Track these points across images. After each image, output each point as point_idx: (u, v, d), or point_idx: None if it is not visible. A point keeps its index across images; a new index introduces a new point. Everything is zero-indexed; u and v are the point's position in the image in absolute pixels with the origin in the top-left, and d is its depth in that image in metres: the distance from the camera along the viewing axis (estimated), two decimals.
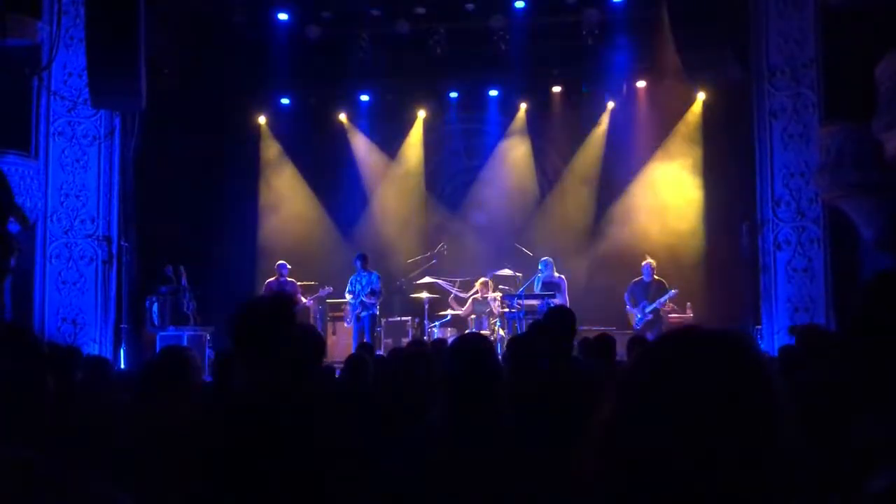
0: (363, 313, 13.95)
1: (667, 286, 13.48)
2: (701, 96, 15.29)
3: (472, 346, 3.36)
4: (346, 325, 14.51)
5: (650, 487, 1.18)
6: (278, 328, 2.92)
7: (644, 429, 1.20)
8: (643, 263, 13.70)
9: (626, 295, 13.68)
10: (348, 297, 14.11)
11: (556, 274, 14.06)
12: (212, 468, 2.65)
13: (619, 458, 1.21)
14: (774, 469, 1.17)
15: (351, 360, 6.42)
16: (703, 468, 1.16)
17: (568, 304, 12.52)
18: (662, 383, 1.23)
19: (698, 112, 15.55)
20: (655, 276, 13.58)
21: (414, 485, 3.00)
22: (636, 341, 7.90)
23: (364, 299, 13.91)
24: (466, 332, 12.41)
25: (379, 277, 14.08)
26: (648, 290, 13.51)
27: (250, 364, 2.93)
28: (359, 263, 14.07)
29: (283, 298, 3.16)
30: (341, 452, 2.79)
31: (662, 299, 13.42)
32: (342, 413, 3.32)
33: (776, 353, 11.62)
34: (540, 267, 14.04)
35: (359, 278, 14.03)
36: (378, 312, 14.20)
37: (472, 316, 14.26)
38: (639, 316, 13.42)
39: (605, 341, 6.64)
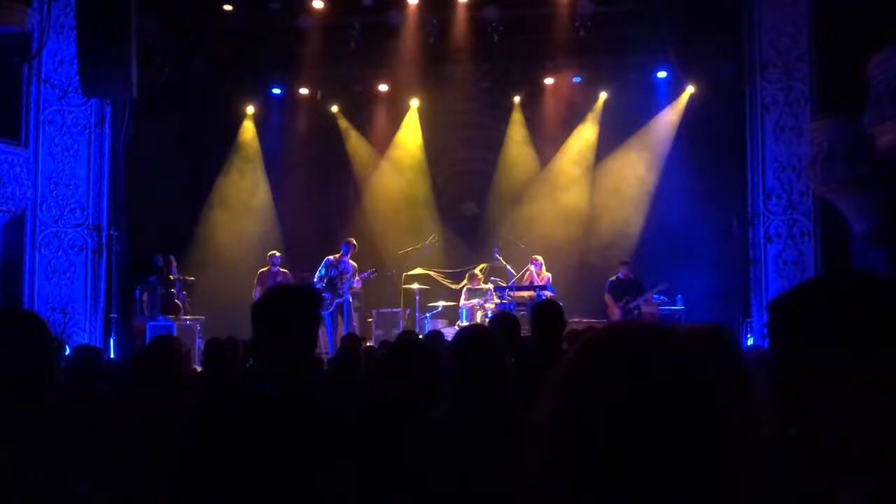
0: (339, 299, 13.87)
1: (643, 284, 13.62)
2: (691, 89, 15.31)
3: (476, 339, 3.35)
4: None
5: (590, 490, 1.16)
6: (306, 319, 2.96)
7: (578, 429, 1.18)
8: (620, 263, 13.86)
9: (606, 295, 13.81)
10: (320, 283, 13.95)
11: (545, 273, 14.18)
12: (218, 451, 2.65)
13: (557, 460, 1.19)
14: (719, 476, 1.15)
15: (344, 351, 6.42)
16: (635, 472, 1.14)
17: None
18: (595, 382, 1.21)
19: (689, 104, 15.57)
20: (630, 275, 13.71)
21: (424, 474, 3.00)
22: (579, 336, 7.54)
23: (355, 284, 13.86)
24: (466, 325, 12.46)
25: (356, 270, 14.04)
26: (627, 288, 13.61)
27: (268, 350, 2.94)
28: (348, 250, 13.99)
29: (313, 291, 3.20)
30: (348, 439, 2.80)
31: (649, 293, 13.51)
32: (343, 403, 3.33)
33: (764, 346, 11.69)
34: (532, 265, 14.18)
35: (339, 262, 13.92)
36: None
37: (465, 306, 14.27)
38: (622, 312, 13.50)
39: None
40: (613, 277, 13.82)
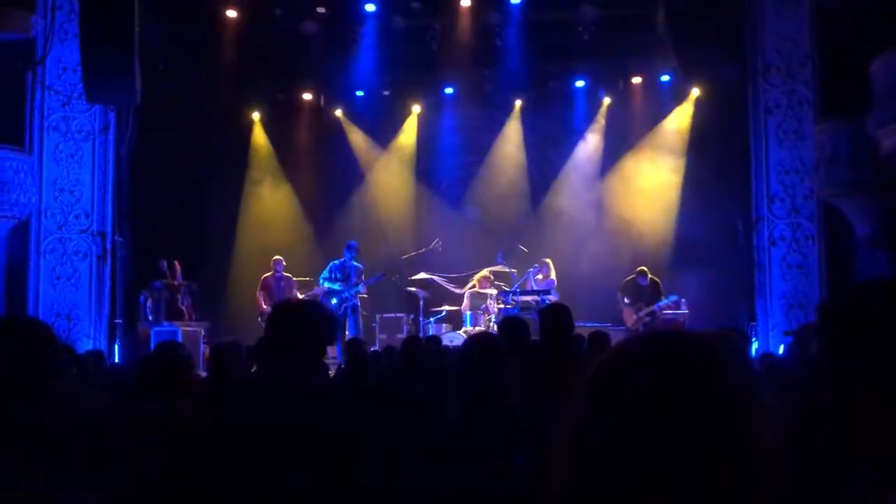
0: (348, 304, 13.83)
1: (661, 287, 13.52)
2: (696, 92, 15.30)
3: (485, 345, 3.36)
4: None
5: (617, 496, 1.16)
6: (320, 331, 3.05)
7: (609, 433, 1.19)
8: (638, 271, 13.71)
9: (619, 293, 13.68)
10: (328, 284, 13.89)
11: (552, 276, 14.16)
12: (226, 455, 2.66)
13: (585, 464, 1.19)
14: (745, 483, 1.15)
15: (350, 356, 6.43)
16: (665, 480, 1.15)
17: None
18: (629, 386, 1.21)
19: (693, 108, 15.56)
20: (650, 277, 13.60)
21: (431, 478, 3.00)
22: (587, 341, 7.38)
23: (361, 288, 13.85)
24: (473, 331, 12.45)
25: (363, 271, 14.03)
26: (644, 291, 13.51)
27: (273, 355, 3.00)
28: (351, 253, 13.94)
29: (327, 310, 3.33)
30: (357, 441, 2.81)
31: (662, 303, 13.42)
32: (350, 405, 3.35)
33: (771, 350, 11.67)
34: (535, 269, 14.18)
35: (343, 266, 13.89)
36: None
37: (469, 310, 14.25)
38: (633, 317, 13.43)
39: (600, 338, 6.66)
40: (630, 278, 13.71)
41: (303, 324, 3.03)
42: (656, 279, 13.62)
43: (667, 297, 13.48)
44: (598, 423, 1.20)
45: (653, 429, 1.15)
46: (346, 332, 13.59)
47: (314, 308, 3.23)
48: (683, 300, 14.18)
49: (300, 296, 14.06)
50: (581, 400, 1.24)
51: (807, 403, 1.32)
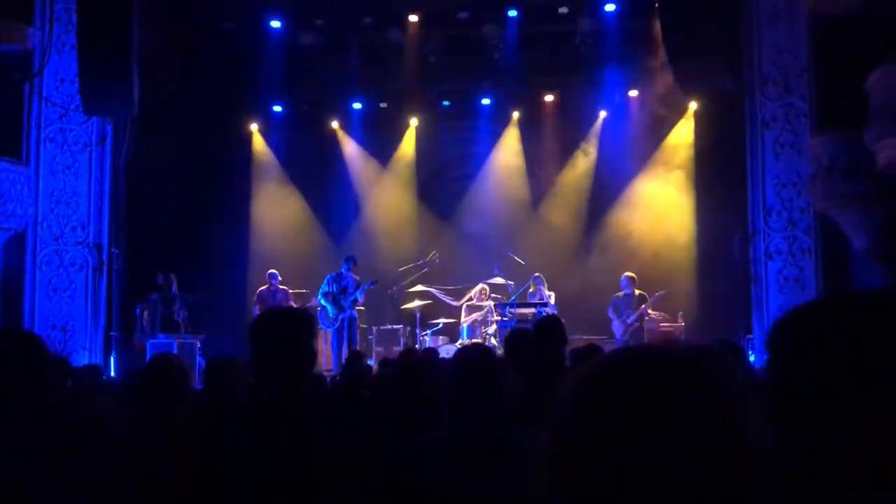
0: (345, 315, 13.77)
1: (648, 298, 13.53)
2: (693, 106, 15.32)
3: (476, 358, 3.34)
4: (321, 328, 13.64)
5: None
6: (304, 338, 3.09)
7: (598, 439, 1.17)
8: (622, 276, 13.74)
9: (609, 309, 13.71)
10: (324, 301, 13.80)
11: (547, 292, 14.16)
12: (220, 467, 2.65)
13: (567, 482, 1.18)
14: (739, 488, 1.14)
15: (349, 368, 6.42)
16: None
17: None
18: (619, 391, 1.19)
19: (690, 122, 15.59)
20: (636, 291, 13.59)
21: (422, 493, 2.99)
22: (580, 353, 7.06)
23: (358, 297, 13.80)
24: (467, 343, 12.43)
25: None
26: (631, 303, 13.53)
27: (266, 366, 3.02)
28: (349, 266, 13.90)
29: (305, 314, 3.37)
30: (349, 455, 2.80)
31: (644, 307, 13.45)
32: (346, 419, 3.36)
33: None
34: (531, 282, 14.17)
35: (340, 278, 13.83)
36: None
37: (466, 323, 14.24)
38: (622, 327, 13.45)
39: (594, 351, 6.63)
40: (620, 293, 13.74)
41: (280, 334, 3.07)
42: (644, 293, 13.63)
43: (651, 298, 13.52)
44: (586, 429, 1.18)
45: (644, 433, 1.14)
46: (344, 346, 13.55)
47: (289, 314, 3.25)
48: (680, 313, 14.15)
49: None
50: (571, 405, 1.22)
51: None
